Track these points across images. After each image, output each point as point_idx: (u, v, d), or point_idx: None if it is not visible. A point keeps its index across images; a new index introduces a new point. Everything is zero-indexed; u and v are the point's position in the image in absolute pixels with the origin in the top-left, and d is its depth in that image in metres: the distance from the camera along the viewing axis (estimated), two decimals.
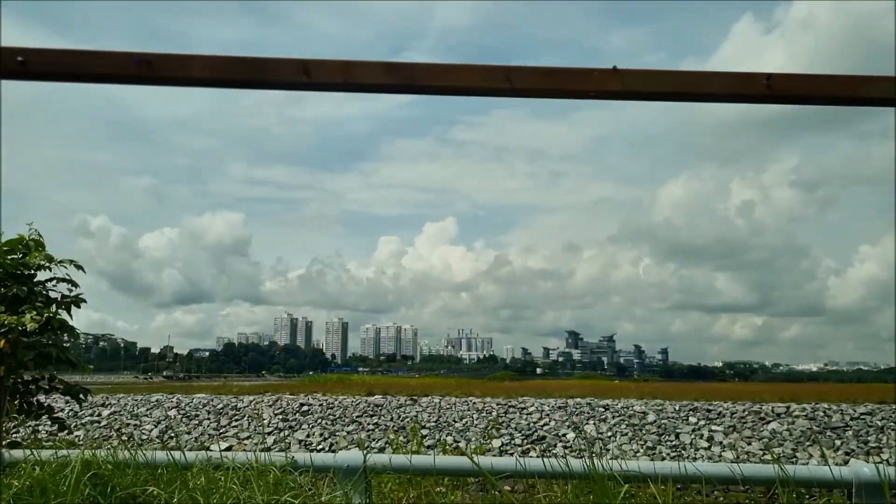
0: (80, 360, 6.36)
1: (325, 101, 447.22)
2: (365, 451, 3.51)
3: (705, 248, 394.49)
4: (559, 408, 18.40)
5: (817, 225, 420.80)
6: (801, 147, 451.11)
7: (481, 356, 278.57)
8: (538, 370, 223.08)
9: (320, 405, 19.13)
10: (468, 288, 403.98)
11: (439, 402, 19.29)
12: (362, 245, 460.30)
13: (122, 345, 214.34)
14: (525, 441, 16.86)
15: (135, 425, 17.98)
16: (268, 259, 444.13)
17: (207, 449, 16.22)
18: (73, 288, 5.92)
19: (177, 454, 3.85)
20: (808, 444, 15.71)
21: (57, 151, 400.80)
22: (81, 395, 6.02)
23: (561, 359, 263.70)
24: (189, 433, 17.59)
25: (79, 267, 5.86)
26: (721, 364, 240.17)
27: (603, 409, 18.20)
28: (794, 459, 15.02)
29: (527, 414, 18.19)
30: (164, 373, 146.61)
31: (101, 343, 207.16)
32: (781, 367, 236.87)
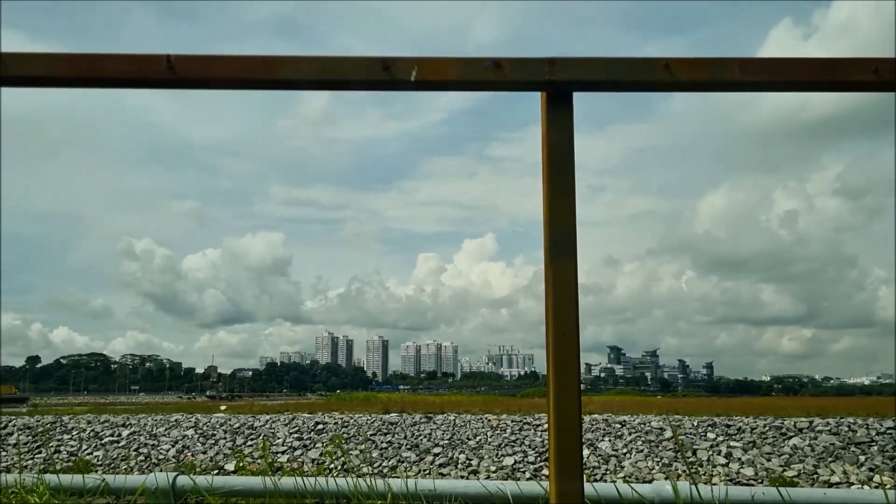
0: None
1: (361, 121, 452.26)
2: (176, 473, 3.46)
3: (749, 259, 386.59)
4: None
5: (865, 234, 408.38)
6: (844, 154, 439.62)
7: (522, 372, 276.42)
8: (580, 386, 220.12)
9: (335, 424, 19.16)
10: (508, 304, 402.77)
11: (454, 420, 19.15)
12: (401, 263, 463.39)
13: (167, 365, 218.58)
14: (538, 458, 16.62)
15: (152, 445, 18.25)
16: (308, 278, 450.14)
17: (221, 468, 16.39)
18: None
19: None
20: (830, 459, 15.17)
21: (106, 176, 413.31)
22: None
23: (603, 374, 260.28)
24: (205, 453, 17.77)
25: None
26: (769, 378, 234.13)
27: (619, 426, 17.84)
28: (815, 476, 14.53)
29: (542, 431, 17.93)
30: (208, 392, 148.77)
31: (148, 364, 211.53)
32: (832, 381, 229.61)
